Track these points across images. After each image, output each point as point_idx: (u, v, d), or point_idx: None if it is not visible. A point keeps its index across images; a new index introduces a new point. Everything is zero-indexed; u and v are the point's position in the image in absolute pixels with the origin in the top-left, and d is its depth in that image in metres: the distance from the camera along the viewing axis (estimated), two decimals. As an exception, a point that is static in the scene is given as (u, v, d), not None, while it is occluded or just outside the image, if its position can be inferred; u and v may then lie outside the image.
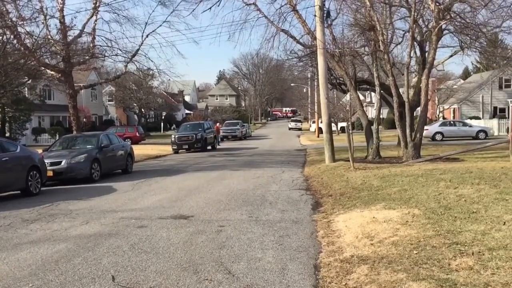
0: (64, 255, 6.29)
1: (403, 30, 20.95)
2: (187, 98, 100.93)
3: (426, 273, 4.54)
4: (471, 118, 44.50)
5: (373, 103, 49.07)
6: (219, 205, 9.89)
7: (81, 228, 8.02)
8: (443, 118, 49.38)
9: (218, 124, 46.69)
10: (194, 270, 5.47)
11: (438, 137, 35.06)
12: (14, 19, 21.61)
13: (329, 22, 19.02)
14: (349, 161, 15.09)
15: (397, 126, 17.40)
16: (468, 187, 8.84)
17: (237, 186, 13.00)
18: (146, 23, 25.00)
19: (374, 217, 7.30)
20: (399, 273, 4.66)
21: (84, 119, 45.77)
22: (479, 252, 4.98)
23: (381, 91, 20.03)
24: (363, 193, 10.02)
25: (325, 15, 18.13)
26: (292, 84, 74.96)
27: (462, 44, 19.48)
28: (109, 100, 67.31)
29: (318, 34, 17.66)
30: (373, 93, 36.83)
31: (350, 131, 15.82)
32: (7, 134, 36.78)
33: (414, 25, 17.19)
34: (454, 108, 50.08)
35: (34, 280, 5.27)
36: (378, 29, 16.93)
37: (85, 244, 6.85)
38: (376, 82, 18.85)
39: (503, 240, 5.30)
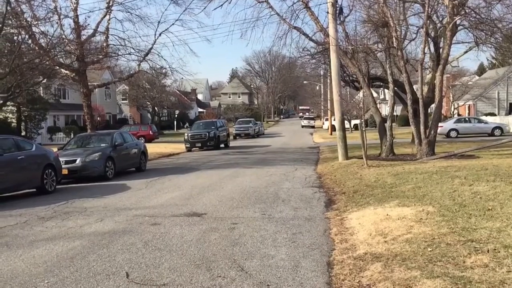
0: (79, 252, 6.35)
1: (417, 26, 20.79)
2: (200, 97, 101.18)
3: (441, 271, 4.50)
4: (486, 114, 44.00)
5: (387, 100, 48.68)
6: (232, 203, 9.90)
7: (95, 225, 8.10)
8: (458, 114, 48.89)
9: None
10: (207, 267, 5.49)
11: (453, 134, 34.70)
12: (28, 19, 21.89)
13: (341, 19, 18.94)
14: (362, 158, 15.00)
15: (411, 123, 17.27)
16: (484, 184, 8.73)
17: (250, 183, 13.01)
18: (159, 22, 25.04)
19: (387, 215, 7.26)
20: (413, 271, 4.62)
21: (98, 118, 46.13)
22: (495, 249, 4.92)
23: (395, 88, 19.89)
24: (376, 190, 9.96)
25: (337, 12, 18.06)
26: (305, 82, 74.74)
27: (477, 39, 19.22)
28: (122, 99, 67.77)
29: (331, 31, 17.57)
30: (386, 90, 36.53)
31: (364, 129, 15.71)
32: (23, 133, 37.25)
33: (428, 21, 17.03)
34: (469, 105, 49.56)
35: (50, 276, 5.34)
36: (392, 25, 16.80)
37: (100, 241, 6.91)
38: (390, 79, 18.72)
39: (519, 237, 5.23)
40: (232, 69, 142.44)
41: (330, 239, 6.67)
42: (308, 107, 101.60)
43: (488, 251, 4.89)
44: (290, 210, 8.96)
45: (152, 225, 7.93)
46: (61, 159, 14.54)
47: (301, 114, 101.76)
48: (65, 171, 14.60)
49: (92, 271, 5.47)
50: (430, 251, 5.17)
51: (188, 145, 30.63)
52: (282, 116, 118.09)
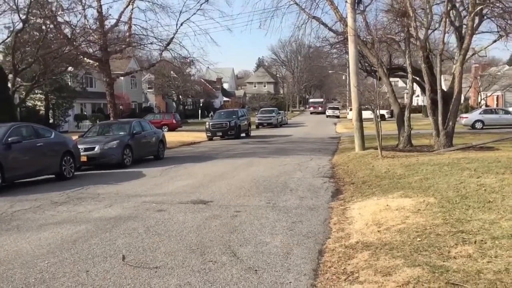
0: (83, 235, 6.61)
1: (440, 15, 20.31)
2: (225, 86, 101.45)
3: (423, 260, 4.55)
4: (515, 106, 42.93)
5: (414, 90, 47.92)
6: (240, 191, 10.05)
7: (103, 210, 8.36)
8: (486, 105, 47.79)
9: None
10: (201, 252, 5.65)
11: (478, 125, 33.99)
12: (53, 9, 22.41)
13: (361, 8, 18.74)
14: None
15: (428, 114, 17.06)
16: (492, 176, 8.65)
17: (262, 173, 13.13)
18: (181, 12, 25.38)
19: (387, 205, 7.28)
20: (397, 259, 4.68)
21: (121, 106, 46.62)
22: (482, 240, 4.92)
23: (417, 78, 19.58)
24: (384, 181, 9.94)
25: (356, 1, 17.86)
26: (330, 71, 74.11)
27: (503, 29, 18.69)
28: (148, 88, 68.56)
29: (349, 21, 17.42)
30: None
31: (378, 119, 15.59)
32: (51, 121, 38.21)
33: (452, 10, 16.69)
34: (497, 95, 48.38)
35: (51, 257, 5.59)
36: (411, 14, 16.54)
37: (104, 225, 7.16)
38: (409, 69, 18.44)
39: (510, 229, 5.21)
40: (259, 58, 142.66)
41: (328, 228, 6.75)
42: (321, 100, 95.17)
43: (475, 242, 4.91)
44: (295, 199, 9.05)
45: (158, 211, 8.14)
46: (80, 146, 14.95)
47: (311, 108, 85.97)
48: (84, 158, 14.99)
49: (91, 253, 5.70)
50: (419, 241, 5.21)
51: (209, 134, 30.93)
52: (307, 106, 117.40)
